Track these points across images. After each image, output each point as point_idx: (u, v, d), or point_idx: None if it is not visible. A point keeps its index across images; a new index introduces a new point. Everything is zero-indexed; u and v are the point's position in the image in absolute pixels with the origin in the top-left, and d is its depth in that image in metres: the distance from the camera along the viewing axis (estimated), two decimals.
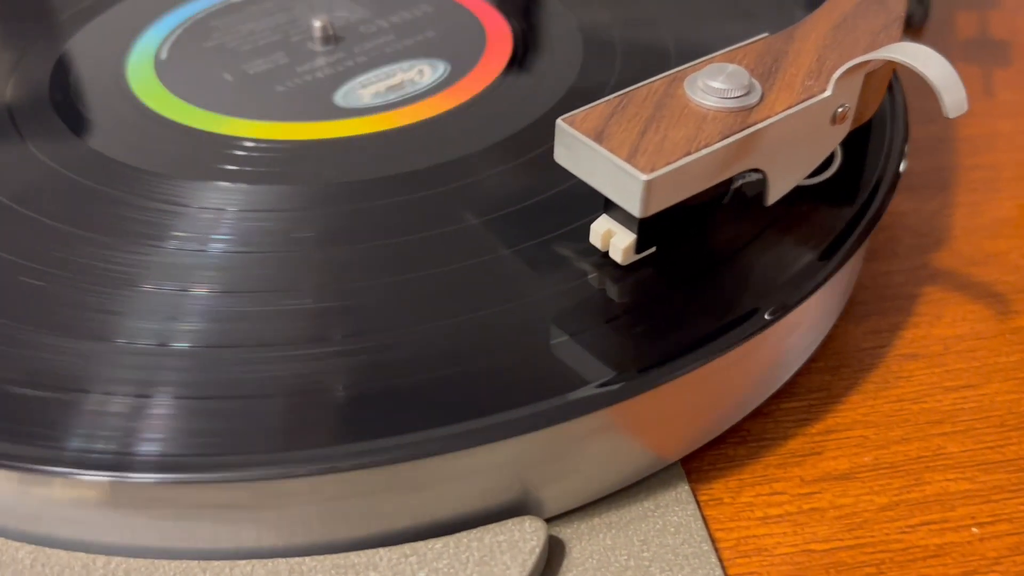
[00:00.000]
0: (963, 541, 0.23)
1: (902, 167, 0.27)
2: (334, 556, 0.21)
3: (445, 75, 0.33)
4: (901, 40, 0.26)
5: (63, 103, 0.32)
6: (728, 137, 0.22)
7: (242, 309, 0.24)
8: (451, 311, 0.23)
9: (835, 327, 0.28)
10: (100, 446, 0.20)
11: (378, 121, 0.31)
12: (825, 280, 0.24)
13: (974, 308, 0.29)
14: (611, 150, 0.22)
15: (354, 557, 0.21)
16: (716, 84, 0.23)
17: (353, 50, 0.34)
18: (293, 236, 0.26)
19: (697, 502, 0.24)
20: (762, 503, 0.24)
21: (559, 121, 0.23)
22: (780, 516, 0.24)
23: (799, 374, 0.27)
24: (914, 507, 0.24)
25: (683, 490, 0.24)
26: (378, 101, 0.31)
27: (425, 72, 0.33)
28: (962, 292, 0.30)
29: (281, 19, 0.36)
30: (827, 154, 0.25)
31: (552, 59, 0.34)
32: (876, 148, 0.28)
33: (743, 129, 0.22)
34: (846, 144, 0.28)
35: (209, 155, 0.29)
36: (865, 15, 0.27)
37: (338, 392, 0.21)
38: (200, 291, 0.25)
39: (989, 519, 0.23)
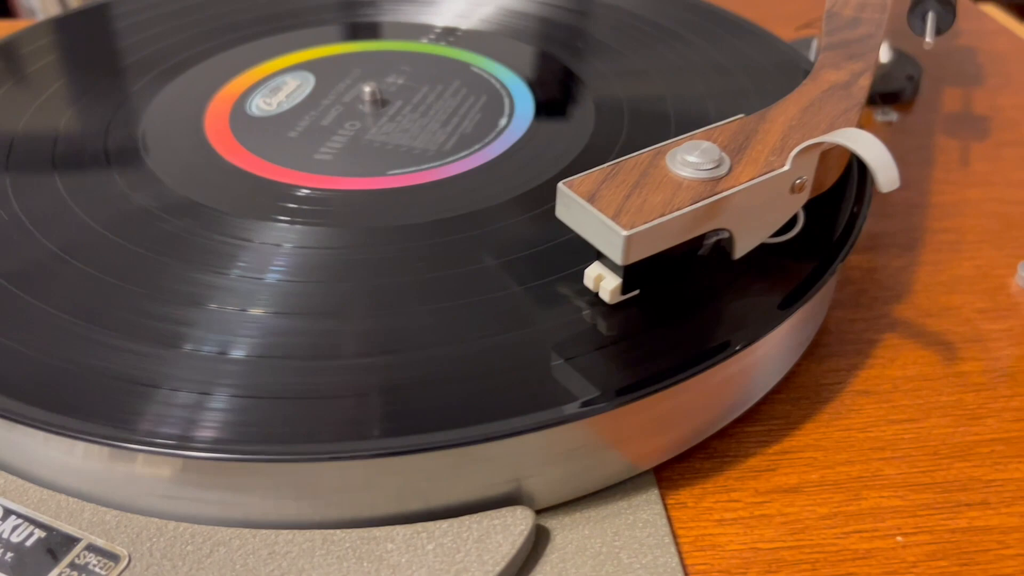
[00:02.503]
0: (888, 547, 0.27)
1: (856, 232, 0.32)
2: (359, 530, 0.26)
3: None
4: (858, 123, 0.31)
5: (151, 150, 0.37)
6: (697, 203, 0.27)
7: (291, 327, 0.29)
8: (469, 336, 0.28)
9: (799, 364, 0.33)
10: (165, 430, 0.25)
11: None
12: (778, 325, 0.28)
13: (924, 354, 0.34)
14: (600, 209, 0.27)
15: (376, 531, 0.26)
16: (691, 158, 0.28)
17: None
18: (338, 270, 0.31)
19: (665, 505, 0.28)
20: (720, 508, 0.28)
21: (560, 184, 0.28)
22: (734, 519, 0.28)
23: (763, 403, 0.31)
24: (850, 518, 0.28)
25: (653, 494, 0.28)
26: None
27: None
28: (916, 340, 0.34)
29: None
30: (788, 218, 0.30)
31: (567, 122, 0.39)
32: (836, 215, 0.33)
33: (710, 196, 0.27)
34: (815, 210, 0.32)
35: (271, 200, 0.35)
36: (830, 100, 0.32)
37: (366, 397, 0.26)
38: (256, 312, 0.30)
39: (913, 531, 0.28)
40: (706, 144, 0.28)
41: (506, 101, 0.40)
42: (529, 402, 0.26)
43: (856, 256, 0.38)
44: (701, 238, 0.29)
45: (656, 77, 0.42)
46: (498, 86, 0.42)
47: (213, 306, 0.30)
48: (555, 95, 0.41)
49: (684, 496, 0.29)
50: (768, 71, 0.42)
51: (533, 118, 0.39)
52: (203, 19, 0.49)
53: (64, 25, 0.48)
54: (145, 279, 0.31)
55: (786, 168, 0.28)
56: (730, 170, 0.28)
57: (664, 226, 0.26)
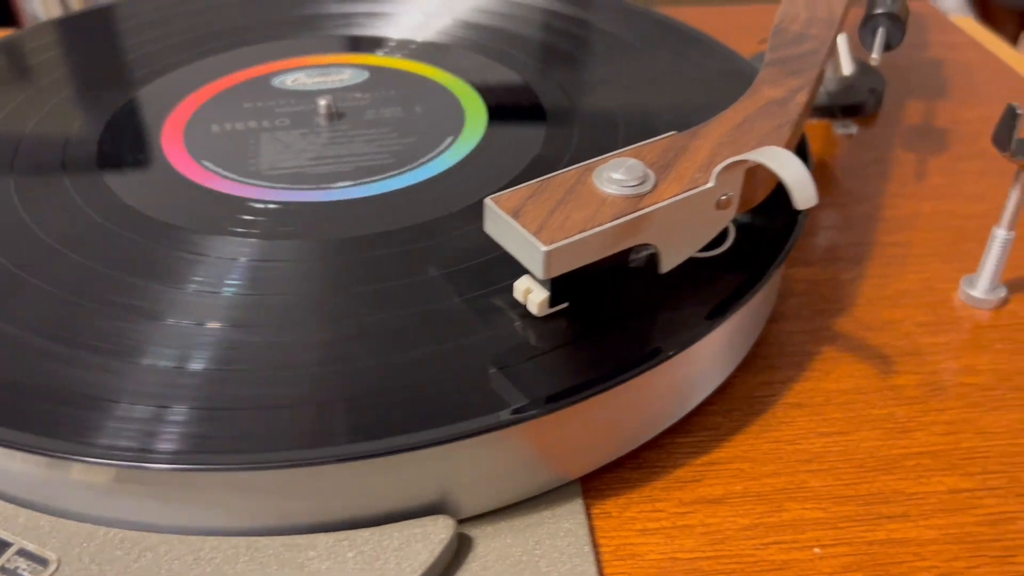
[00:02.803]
0: (805, 559, 0.28)
1: (788, 247, 0.32)
2: (283, 537, 0.26)
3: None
4: (789, 139, 0.31)
5: (108, 166, 0.38)
6: (618, 219, 0.27)
7: (241, 340, 0.29)
8: (409, 345, 0.29)
9: (735, 376, 0.33)
10: (103, 441, 0.26)
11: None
12: (702, 337, 0.29)
13: (861, 367, 0.34)
14: (523, 225, 0.27)
15: (299, 539, 0.26)
16: (616, 175, 0.28)
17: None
18: (291, 280, 0.32)
19: (589, 514, 0.29)
20: (643, 518, 0.29)
21: (487, 200, 0.28)
22: (656, 529, 0.29)
23: (696, 414, 0.32)
24: (770, 529, 0.29)
25: (577, 503, 0.29)
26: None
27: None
28: (853, 353, 0.35)
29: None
30: (715, 233, 0.30)
31: (519, 134, 0.39)
32: (770, 229, 0.33)
33: (632, 213, 0.28)
34: (753, 223, 0.33)
35: (226, 213, 0.35)
36: (764, 116, 0.32)
37: (294, 409, 0.27)
38: (213, 325, 0.30)
39: (832, 542, 0.28)
40: (631, 161, 0.29)
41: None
42: (455, 412, 0.27)
43: (803, 269, 0.39)
44: (628, 252, 0.30)
45: (610, 89, 0.43)
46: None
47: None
48: (508, 107, 0.42)
49: (609, 506, 0.29)
50: (722, 84, 0.42)
51: (485, 130, 0.40)
52: (182, 30, 0.50)
53: (64, 27, 0.50)
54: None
55: (710, 185, 0.29)
56: (654, 187, 0.29)
57: (585, 242, 0.27)
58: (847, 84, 0.50)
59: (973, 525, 0.29)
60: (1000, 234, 0.36)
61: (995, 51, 0.58)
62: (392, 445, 0.26)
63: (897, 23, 0.41)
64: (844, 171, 0.46)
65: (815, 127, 0.49)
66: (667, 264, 0.30)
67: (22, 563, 0.26)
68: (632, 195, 0.28)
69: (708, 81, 0.43)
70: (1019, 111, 0.32)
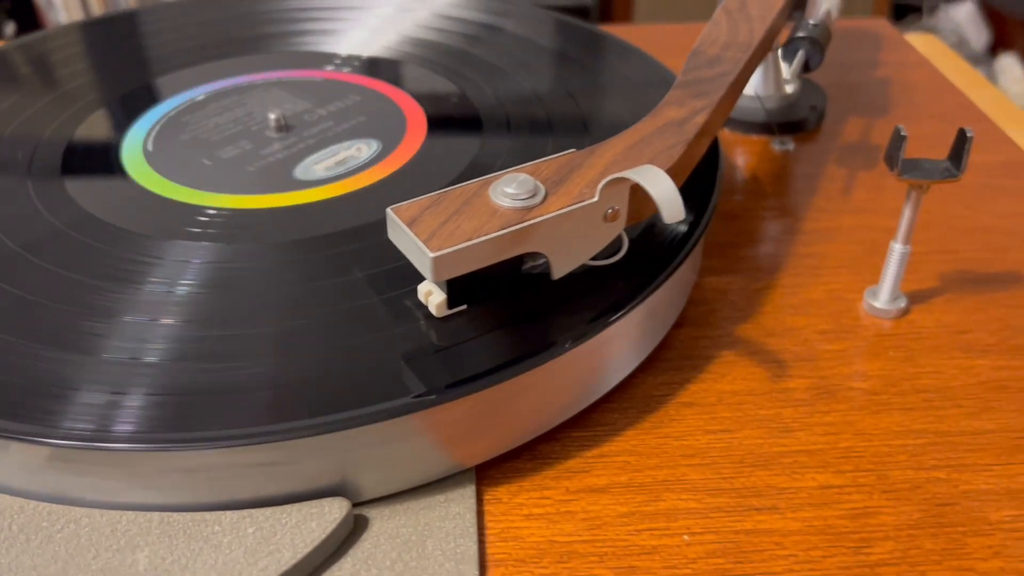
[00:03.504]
0: (673, 544, 0.30)
1: (680, 259, 0.35)
2: (192, 513, 0.29)
3: (373, 155, 0.42)
4: (681, 159, 0.34)
5: (71, 178, 0.41)
6: (504, 229, 0.30)
7: (188, 335, 0.32)
8: (324, 341, 0.32)
9: (634, 377, 0.36)
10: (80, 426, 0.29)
11: (309, 195, 0.39)
12: (582, 341, 0.31)
13: (756, 370, 0.37)
14: (416, 233, 0.30)
15: (207, 515, 0.29)
16: (508, 189, 0.31)
17: (301, 137, 0.43)
18: (241, 281, 0.35)
19: (480, 500, 0.31)
20: (530, 504, 0.31)
21: (389, 210, 0.31)
22: (540, 515, 0.31)
23: (593, 411, 0.34)
24: (645, 517, 0.31)
25: (469, 489, 0.31)
26: (316, 177, 0.40)
27: (353, 153, 0.42)
28: (752, 357, 0.37)
29: (240, 112, 0.45)
30: (606, 244, 0.33)
31: (457, 142, 0.42)
32: (663, 243, 0.35)
33: (518, 224, 0.30)
34: (649, 236, 0.35)
35: (180, 220, 0.38)
36: (661, 136, 0.35)
37: (221, 396, 0.30)
38: (166, 321, 0.33)
39: (700, 531, 0.30)
40: (523, 176, 0.31)
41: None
42: (353, 401, 0.29)
43: (716, 278, 0.41)
44: (522, 260, 0.32)
45: (545, 101, 0.45)
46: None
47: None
48: (447, 118, 0.45)
49: (501, 493, 0.32)
50: (653, 97, 0.45)
51: (424, 141, 0.43)
52: (157, 45, 0.53)
53: (85, 30, 0.54)
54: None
55: (593, 200, 0.31)
56: (543, 200, 0.31)
57: (472, 249, 0.30)
58: (790, 101, 0.52)
59: (836, 518, 0.31)
60: (897, 248, 0.38)
61: (946, 71, 0.60)
62: (289, 429, 0.28)
63: (816, 47, 0.43)
64: (774, 185, 0.48)
65: (754, 143, 0.52)
66: (558, 271, 0.32)
67: None
68: (521, 207, 0.31)
69: (639, 94, 0.45)
70: (904, 133, 0.34)
